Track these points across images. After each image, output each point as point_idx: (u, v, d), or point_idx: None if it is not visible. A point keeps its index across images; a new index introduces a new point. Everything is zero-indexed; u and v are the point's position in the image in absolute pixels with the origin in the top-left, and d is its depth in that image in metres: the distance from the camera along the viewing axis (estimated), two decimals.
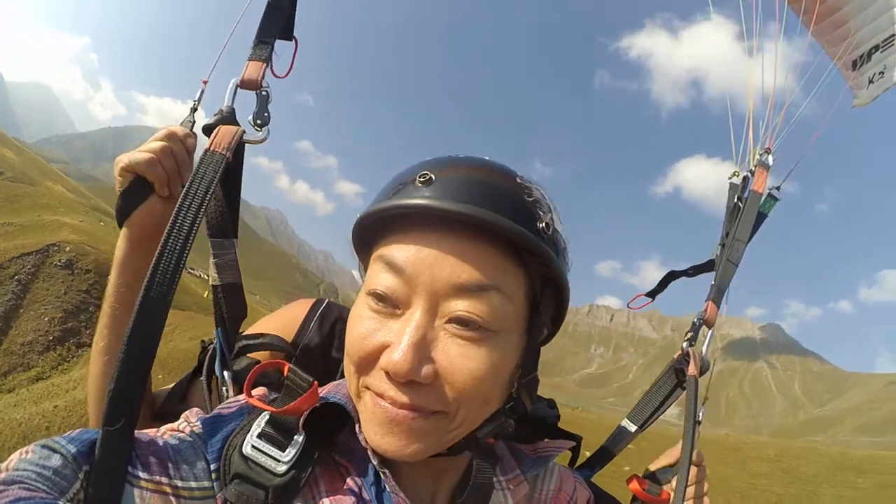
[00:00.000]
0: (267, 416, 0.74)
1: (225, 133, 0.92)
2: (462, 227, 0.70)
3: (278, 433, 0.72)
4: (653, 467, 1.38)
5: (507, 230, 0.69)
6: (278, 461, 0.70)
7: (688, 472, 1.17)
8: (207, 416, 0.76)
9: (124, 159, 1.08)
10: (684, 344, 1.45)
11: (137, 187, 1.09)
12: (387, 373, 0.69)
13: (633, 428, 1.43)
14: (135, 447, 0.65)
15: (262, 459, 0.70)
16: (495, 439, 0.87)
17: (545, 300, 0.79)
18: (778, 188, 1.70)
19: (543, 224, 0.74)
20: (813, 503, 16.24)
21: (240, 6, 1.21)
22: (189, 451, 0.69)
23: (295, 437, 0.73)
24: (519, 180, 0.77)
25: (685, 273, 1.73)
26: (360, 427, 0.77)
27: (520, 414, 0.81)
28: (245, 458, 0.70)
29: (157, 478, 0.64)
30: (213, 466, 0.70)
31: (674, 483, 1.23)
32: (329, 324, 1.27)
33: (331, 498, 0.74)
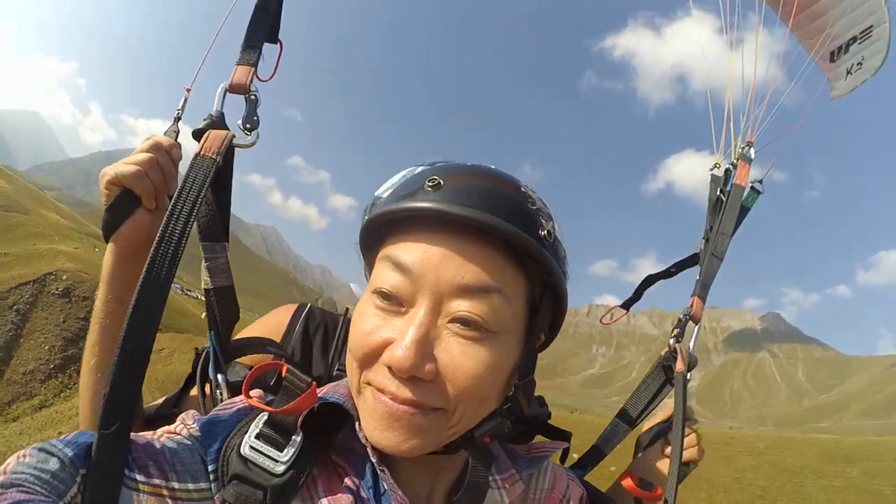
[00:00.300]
0: (265, 417, 0.75)
1: (215, 137, 0.91)
2: (467, 230, 0.72)
3: (276, 434, 0.73)
4: (647, 425, 1.45)
5: (510, 235, 0.72)
6: (277, 461, 0.71)
7: (679, 468, 1.20)
8: (204, 417, 0.77)
9: (109, 172, 1.07)
10: (671, 341, 1.47)
11: (124, 201, 1.08)
12: (389, 368, 0.71)
13: (623, 427, 1.46)
14: (131, 450, 0.66)
15: (261, 460, 0.70)
16: (491, 439, 0.89)
17: (544, 305, 0.81)
18: (760, 181, 1.70)
19: (545, 231, 0.77)
20: (799, 494, 16.23)
21: (225, 26, 1.23)
22: (186, 453, 0.70)
23: (293, 437, 0.73)
24: (523, 189, 0.80)
25: (665, 274, 1.74)
26: (359, 425, 0.78)
27: (516, 415, 0.83)
28: (243, 459, 0.70)
29: (154, 480, 0.65)
30: (210, 468, 0.70)
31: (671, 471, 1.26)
32: (313, 328, 1.28)
33: (329, 498, 0.75)
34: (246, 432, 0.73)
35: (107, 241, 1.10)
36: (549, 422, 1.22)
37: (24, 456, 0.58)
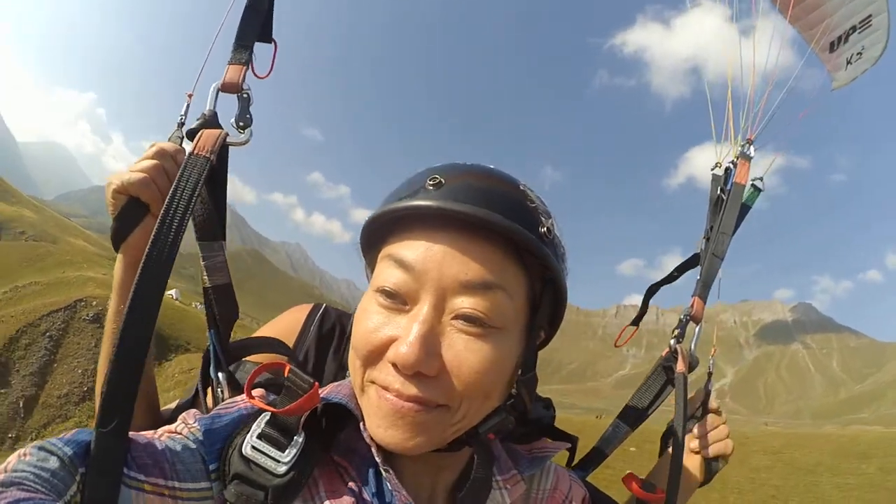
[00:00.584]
0: (267, 417, 0.74)
1: (208, 136, 0.92)
2: (469, 228, 0.73)
3: (278, 434, 0.72)
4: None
5: (511, 231, 0.72)
6: (278, 462, 0.70)
7: (679, 471, 1.19)
8: (205, 416, 0.76)
9: (115, 181, 1.05)
10: (672, 341, 1.46)
11: (132, 209, 1.07)
12: (394, 365, 0.71)
13: (624, 428, 1.45)
14: (131, 449, 0.65)
15: (262, 460, 0.70)
16: (495, 436, 0.88)
17: (544, 302, 0.82)
18: (761, 179, 1.69)
19: (545, 229, 0.78)
20: (812, 493, 16.03)
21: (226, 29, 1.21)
22: (187, 453, 0.69)
23: (295, 437, 0.73)
24: (522, 187, 0.81)
25: (667, 280, 1.72)
26: (363, 424, 0.77)
27: (519, 411, 0.84)
28: (245, 459, 0.70)
29: (155, 479, 0.64)
30: (211, 467, 0.70)
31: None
32: (327, 328, 1.28)
33: (330, 498, 0.75)
34: (247, 432, 0.73)
35: (116, 250, 1.10)
36: (556, 425, 1.20)
37: (25, 454, 0.58)
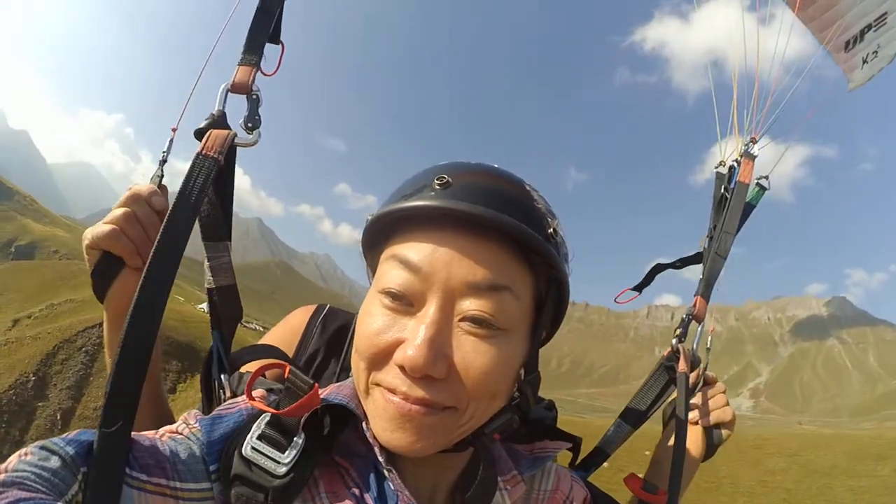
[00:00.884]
0: (267, 418, 0.74)
1: (216, 136, 0.90)
2: (476, 228, 0.72)
3: (278, 435, 0.72)
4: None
5: (520, 232, 0.72)
6: (278, 463, 0.70)
7: (681, 471, 1.17)
8: (206, 417, 0.76)
9: (88, 236, 1.03)
10: (674, 341, 1.45)
11: (106, 264, 1.04)
12: (401, 368, 0.71)
13: (626, 427, 1.44)
14: (133, 449, 0.65)
15: (262, 461, 0.70)
16: (499, 436, 0.89)
17: (549, 302, 0.82)
18: (766, 177, 1.68)
19: (552, 229, 0.78)
20: (825, 496, 15.71)
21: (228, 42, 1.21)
22: (188, 453, 0.69)
23: (295, 438, 0.72)
24: (527, 187, 0.81)
25: (672, 265, 1.72)
26: (366, 425, 0.77)
27: (523, 411, 0.83)
28: (245, 460, 0.70)
29: (156, 479, 0.64)
30: (212, 468, 0.70)
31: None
32: (331, 330, 1.28)
33: (331, 499, 0.75)
34: (248, 433, 0.73)
35: (101, 302, 1.08)
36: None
37: (26, 454, 0.58)
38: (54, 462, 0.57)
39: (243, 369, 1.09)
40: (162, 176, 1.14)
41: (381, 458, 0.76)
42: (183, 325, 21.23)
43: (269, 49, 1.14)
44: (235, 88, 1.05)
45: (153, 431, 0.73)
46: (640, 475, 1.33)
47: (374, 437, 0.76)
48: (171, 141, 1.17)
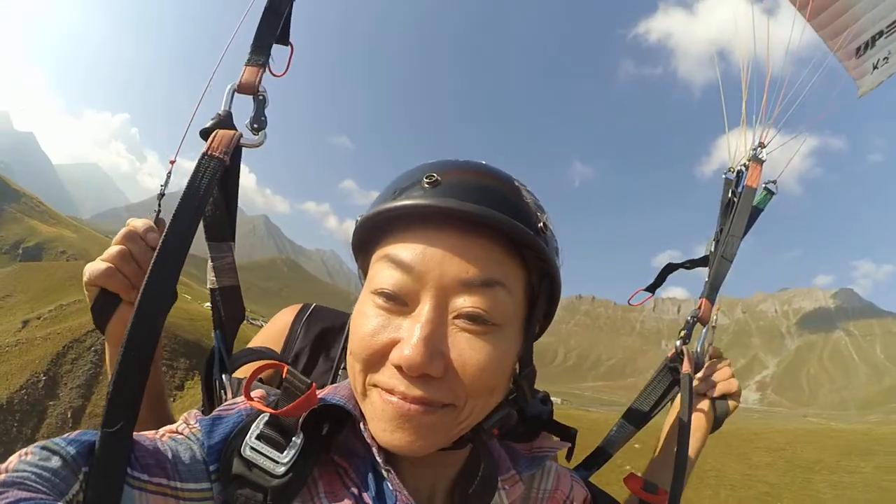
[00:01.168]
0: (266, 418, 0.74)
1: (222, 137, 0.90)
2: (468, 225, 0.72)
3: (277, 435, 0.73)
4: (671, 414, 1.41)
5: (512, 228, 0.72)
6: (277, 463, 0.70)
7: (684, 472, 1.17)
8: (206, 417, 0.76)
9: (86, 273, 1.06)
10: (678, 342, 1.46)
11: (104, 300, 1.07)
12: (399, 368, 0.70)
13: (629, 428, 1.45)
14: (135, 449, 0.65)
15: (261, 461, 0.70)
16: (499, 431, 0.89)
17: (541, 296, 0.82)
18: (774, 182, 1.68)
19: (542, 224, 0.78)
20: (805, 491, 15.74)
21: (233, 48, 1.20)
22: (188, 453, 0.70)
23: (293, 438, 0.73)
24: (516, 183, 0.81)
25: (682, 265, 1.72)
26: (363, 425, 0.77)
27: (520, 405, 0.85)
28: (244, 460, 0.70)
29: (157, 479, 0.64)
30: (212, 468, 0.70)
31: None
32: (316, 329, 1.27)
33: (330, 499, 0.75)
34: (247, 433, 0.73)
35: (103, 334, 1.11)
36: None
37: (26, 454, 0.57)
38: (55, 462, 0.57)
39: (239, 373, 1.09)
40: (159, 211, 1.16)
41: (378, 459, 0.76)
42: (190, 322, 21.35)
43: (278, 50, 1.14)
44: (242, 89, 1.05)
45: (153, 431, 0.73)
46: (629, 467, 1.34)
47: (372, 438, 0.76)
48: (170, 174, 1.18)
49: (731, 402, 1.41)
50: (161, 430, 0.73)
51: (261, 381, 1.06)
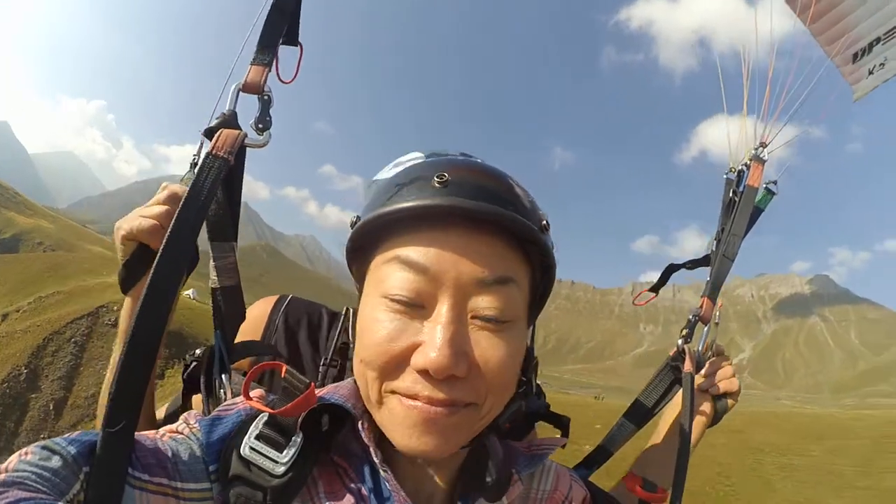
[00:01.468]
0: (265, 418, 0.73)
1: (227, 136, 0.88)
2: (479, 224, 0.72)
3: (276, 434, 0.72)
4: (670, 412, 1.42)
5: (522, 226, 0.73)
6: (276, 462, 0.70)
7: (685, 471, 1.17)
8: (206, 417, 0.76)
9: (125, 227, 1.05)
10: (679, 341, 1.45)
11: (141, 257, 1.07)
12: (423, 372, 0.69)
13: (630, 426, 1.45)
14: (135, 449, 0.65)
15: (261, 461, 0.69)
16: (511, 425, 0.91)
17: (543, 290, 0.85)
18: (775, 182, 1.68)
19: (544, 221, 0.81)
20: (755, 472, 15.64)
21: (239, 45, 1.16)
22: (188, 453, 0.69)
23: (293, 438, 0.72)
24: (514, 181, 0.82)
25: (684, 266, 1.71)
26: (364, 424, 0.77)
27: (528, 396, 0.87)
28: (243, 460, 0.69)
29: (158, 479, 0.64)
30: (211, 468, 0.70)
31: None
32: (294, 320, 1.28)
33: (329, 498, 0.74)
34: (246, 433, 0.72)
35: (124, 293, 1.11)
36: (555, 405, 1.20)
37: (26, 454, 0.57)
38: (55, 462, 0.57)
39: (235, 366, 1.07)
40: (192, 179, 1.14)
41: (376, 459, 0.75)
42: None
43: (283, 51, 1.12)
44: (247, 88, 1.04)
45: (153, 431, 0.72)
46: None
47: (370, 438, 0.76)
48: (202, 145, 1.13)
49: (730, 401, 1.44)
50: (161, 431, 0.72)
51: (258, 381, 1.09)
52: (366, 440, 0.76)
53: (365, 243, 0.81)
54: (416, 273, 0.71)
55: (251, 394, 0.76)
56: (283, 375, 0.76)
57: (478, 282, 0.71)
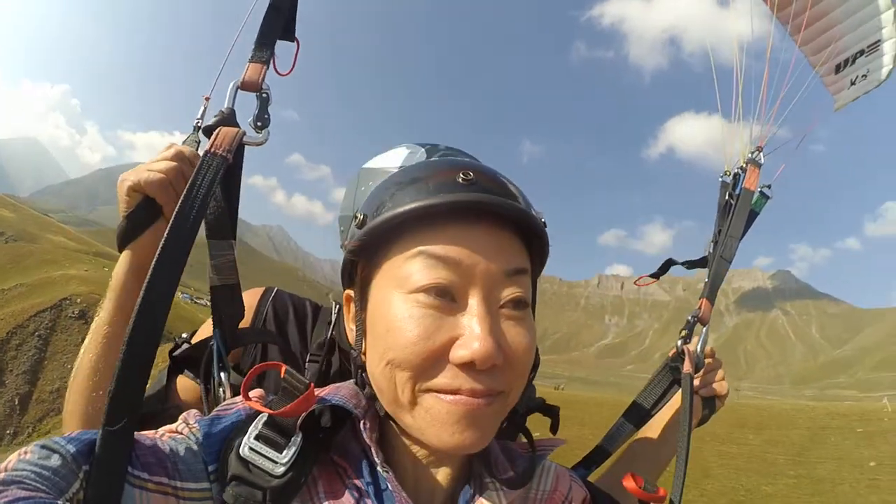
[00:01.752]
0: (265, 418, 0.72)
1: (225, 135, 0.88)
2: (499, 219, 0.75)
3: (276, 435, 0.71)
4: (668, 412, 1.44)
5: (536, 223, 0.77)
6: (276, 463, 0.69)
7: (685, 469, 1.17)
8: (205, 417, 0.75)
9: (131, 178, 1.05)
10: (679, 342, 1.46)
11: (146, 210, 1.06)
12: (463, 365, 0.69)
13: (629, 426, 1.45)
14: (135, 448, 0.64)
15: (260, 461, 0.69)
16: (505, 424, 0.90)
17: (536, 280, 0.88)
18: (769, 186, 1.71)
19: (543, 219, 0.81)
20: (694, 459, 14.37)
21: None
22: (188, 453, 0.68)
23: (293, 438, 0.71)
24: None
25: (682, 264, 1.74)
26: (364, 425, 0.76)
27: (531, 381, 0.91)
28: (243, 460, 0.69)
29: (157, 478, 0.63)
30: (211, 468, 0.69)
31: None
32: (282, 312, 1.29)
33: (329, 499, 0.73)
34: (246, 433, 0.71)
35: (121, 249, 1.09)
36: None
37: (26, 453, 0.56)
38: (55, 460, 0.56)
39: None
40: (199, 143, 1.15)
41: (377, 459, 0.75)
42: None
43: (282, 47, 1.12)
44: (245, 86, 1.04)
45: (153, 431, 0.71)
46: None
47: (371, 437, 0.76)
48: (205, 109, 1.15)
49: (718, 403, 1.48)
50: (161, 430, 0.72)
51: (255, 383, 1.12)
52: (367, 440, 0.76)
53: (378, 241, 0.77)
54: (446, 267, 0.71)
55: (250, 394, 0.75)
56: (282, 376, 0.73)
57: (505, 273, 0.73)
